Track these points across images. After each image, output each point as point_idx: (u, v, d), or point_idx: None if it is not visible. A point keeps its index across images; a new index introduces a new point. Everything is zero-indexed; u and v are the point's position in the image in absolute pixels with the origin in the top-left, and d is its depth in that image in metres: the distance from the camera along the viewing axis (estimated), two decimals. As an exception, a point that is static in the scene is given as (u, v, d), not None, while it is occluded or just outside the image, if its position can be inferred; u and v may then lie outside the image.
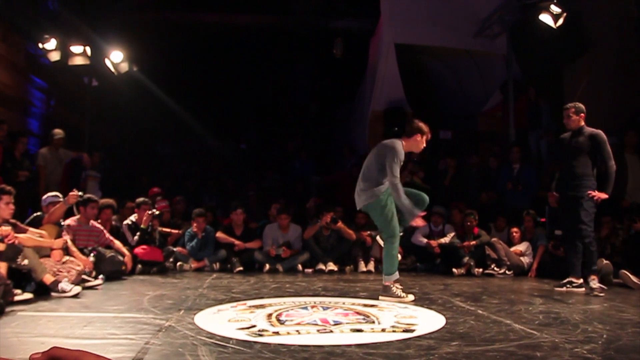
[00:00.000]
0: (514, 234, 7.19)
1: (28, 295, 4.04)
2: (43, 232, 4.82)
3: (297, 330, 3.04)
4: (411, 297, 4.35)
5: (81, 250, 5.34)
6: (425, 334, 2.95)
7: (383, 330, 3.10)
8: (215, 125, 12.28)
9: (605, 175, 4.99)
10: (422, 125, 4.62)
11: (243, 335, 2.86)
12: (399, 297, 4.29)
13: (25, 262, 4.13)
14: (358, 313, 3.66)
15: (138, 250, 6.38)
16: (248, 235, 7.28)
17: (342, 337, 2.89)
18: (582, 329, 3.14)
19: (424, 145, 4.69)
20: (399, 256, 7.40)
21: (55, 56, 8.41)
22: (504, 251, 6.95)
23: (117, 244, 6.01)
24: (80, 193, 5.55)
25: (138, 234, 6.52)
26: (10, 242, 4.10)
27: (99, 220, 6.08)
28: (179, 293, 4.66)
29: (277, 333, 2.96)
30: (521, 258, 6.99)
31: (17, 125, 8.10)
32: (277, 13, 11.08)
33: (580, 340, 2.82)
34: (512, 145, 8.62)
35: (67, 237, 5.16)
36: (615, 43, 8.00)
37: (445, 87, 12.38)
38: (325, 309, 3.80)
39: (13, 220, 4.52)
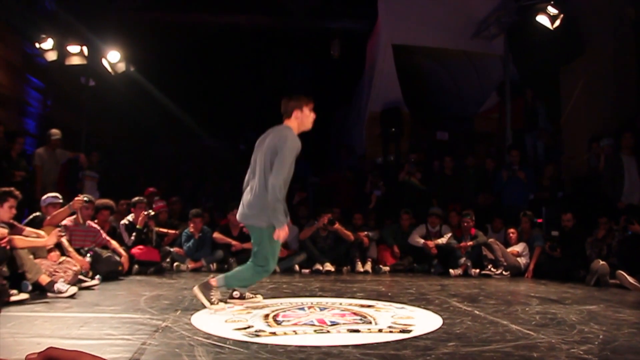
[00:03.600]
0: (511, 234, 7.20)
1: (24, 296, 4.02)
2: (41, 232, 4.80)
3: (294, 331, 3.04)
4: (221, 305, 3.76)
5: (78, 251, 5.32)
6: (422, 335, 2.95)
7: (380, 330, 3.10)
8: (213, 126, 12.27)
9: None
10: (299, 98, 3.78)
11: (240, 336, 2.86)
12: (210, 302, 3.73)
13: (5, 269, 4.10)
14: (355, 314, 3.66)
15: (135, 250, 6.37)
16: (245, 236, 7.23)
17: (339, 338, 2.89)
18: (579, 329, 3.14)
19: (312, 116, 3.81)
20: (396, 258, 7.47)
21: (52, 56, 8.39)
22: (501, 252, 6.96)
23: (114, 244, 6.00)
24: (85, 198, 5.55)
25: (134, 234, 6.51)
26: (3, 245, 4.08)
27: (96, 221, 6.06)
28: (176, 293, 4.65)
29: (274, 333, 2.96)
30: (518, 259, 7.00)
31: (14, 125, 8.07)
32: (275, 14, 11.07)
33: (577, 340, 2.83)
34: (511, 148, 8.64)
35: (63, 237, 5.13)
36: (612, 44, 8.03)
37: (442, 88, 12.40)
38: (322, 309, 3.79)
39: (11, 221, 4.51)
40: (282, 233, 3.60)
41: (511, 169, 8.06)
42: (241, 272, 3.89)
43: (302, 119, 3.77)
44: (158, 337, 2.80)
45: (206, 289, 3.80)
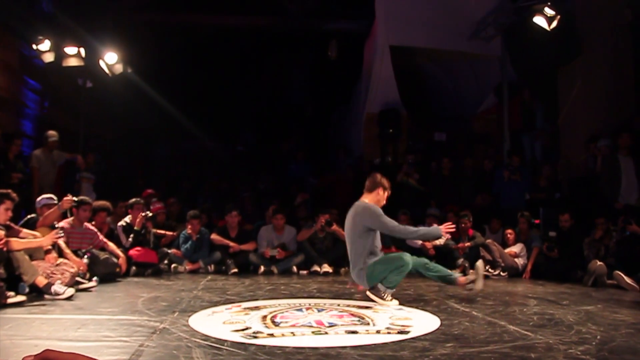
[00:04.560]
0: (509, 235, 7.21)
1: (21, 298, 4.01)
2: (37, 233, 4.79)
3: (292, 332, 3.04)
4: (395, 302, 4.26)
5: (75, 252, 5.31)
6: (420, 336, 2.95)
7: (378, 331, 3.10)
8: (211, 127, 12.27)
9: None
10: (384, 180, 4.59)
11: (238, 337, 2.85)
12: (383, 299, 4.23)
13: (2, 271, 4.09)
14: (353, 315, 3.66)
15: (132, 252, 6.36)
16: (243, 237, 7.26)
17: (337, 339, 2.89)
18: (576, 330, 3.15)
19: (385, 201, 4.58)
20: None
21: (49, 57, 8.36)
22: (499, 253, 6.97)
23: (111, 245, 5.98)
24: (74, 198, 5.53)
25: (132, 235, 6.49)
26: (0, 247, 4.07)
27: (94, 223, 6.05)
28: (174, 295, 4.64)
29: (271, 335, 2.96)
30: (515, 259, 7.01)
31: (11, 126, 8.05)
32: (272, 15, 11.08)
33: (575, 341, 2.83)
34: (511, 153, 8.65)
35: (60, 239, 5.11)
36: (609, 45, 8.05)
37: (440, 89, 12.42)
38: (320, 310, 3.79)
39: (8, 223, 4.50)
40: (443, 230, 4.50)
41: (510, 169, 8.10)
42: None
43: (381, 197, 4.55)
44: (156, 339, 2.79)
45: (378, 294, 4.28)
